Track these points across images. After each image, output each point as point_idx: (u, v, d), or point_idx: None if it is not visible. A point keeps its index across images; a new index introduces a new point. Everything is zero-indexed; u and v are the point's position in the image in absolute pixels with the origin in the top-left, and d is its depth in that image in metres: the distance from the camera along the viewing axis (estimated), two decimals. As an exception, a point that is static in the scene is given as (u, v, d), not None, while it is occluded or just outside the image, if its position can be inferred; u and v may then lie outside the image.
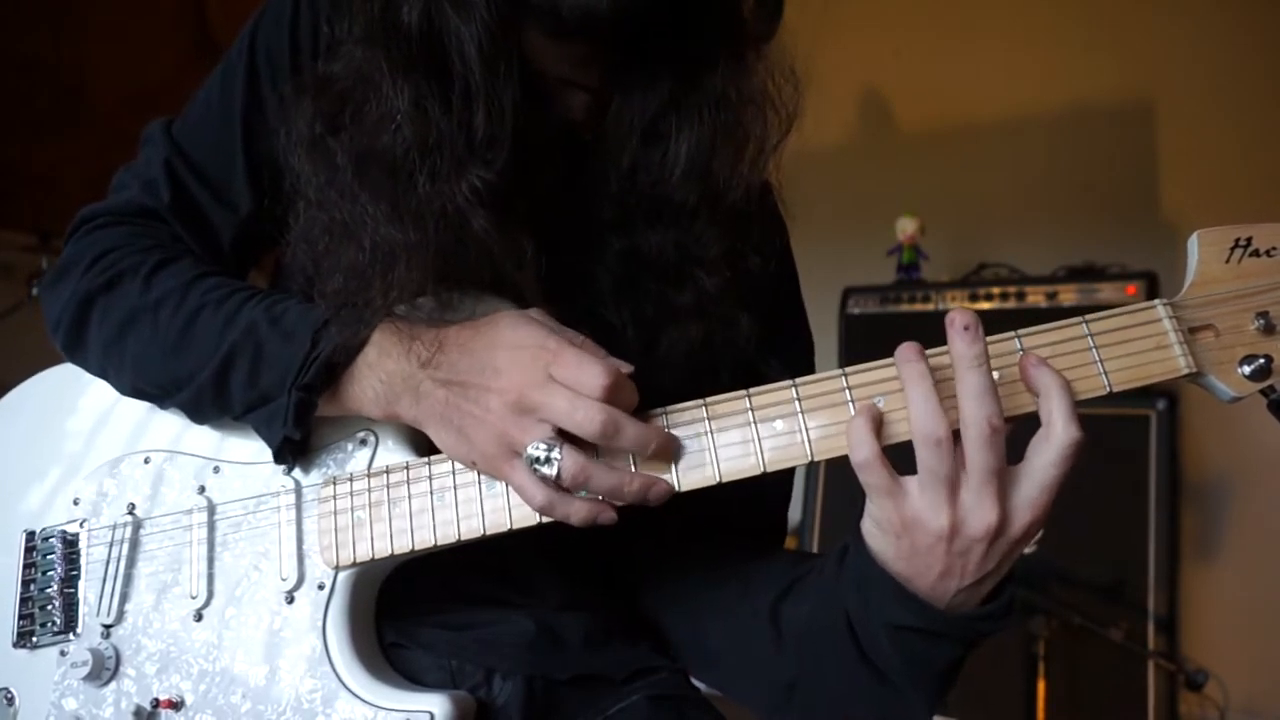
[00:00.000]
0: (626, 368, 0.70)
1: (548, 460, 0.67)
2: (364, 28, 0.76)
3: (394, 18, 0.74)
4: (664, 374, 0.81)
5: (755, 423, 0.69)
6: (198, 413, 0.83)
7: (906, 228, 2.79)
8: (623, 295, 0.85)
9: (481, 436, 0.70)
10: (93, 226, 0.88)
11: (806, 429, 0.68)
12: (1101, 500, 2.26)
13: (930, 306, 2.59)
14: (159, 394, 0.83)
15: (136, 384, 0.84)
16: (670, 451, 0.70)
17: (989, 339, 0.66)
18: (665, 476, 0.70)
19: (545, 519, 0.71)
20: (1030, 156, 2.99)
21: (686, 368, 0.83)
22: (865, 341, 2.62)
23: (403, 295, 0.75)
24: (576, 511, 0.69)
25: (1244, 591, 2.60)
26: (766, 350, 0.88)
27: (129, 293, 0.82)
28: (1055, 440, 0.62)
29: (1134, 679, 2.19)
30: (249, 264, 0.94)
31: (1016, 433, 0.65)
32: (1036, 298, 2.46)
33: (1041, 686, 2.11)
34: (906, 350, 0.66)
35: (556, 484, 0.68)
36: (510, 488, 0.71)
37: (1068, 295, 2.43)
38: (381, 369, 0.74)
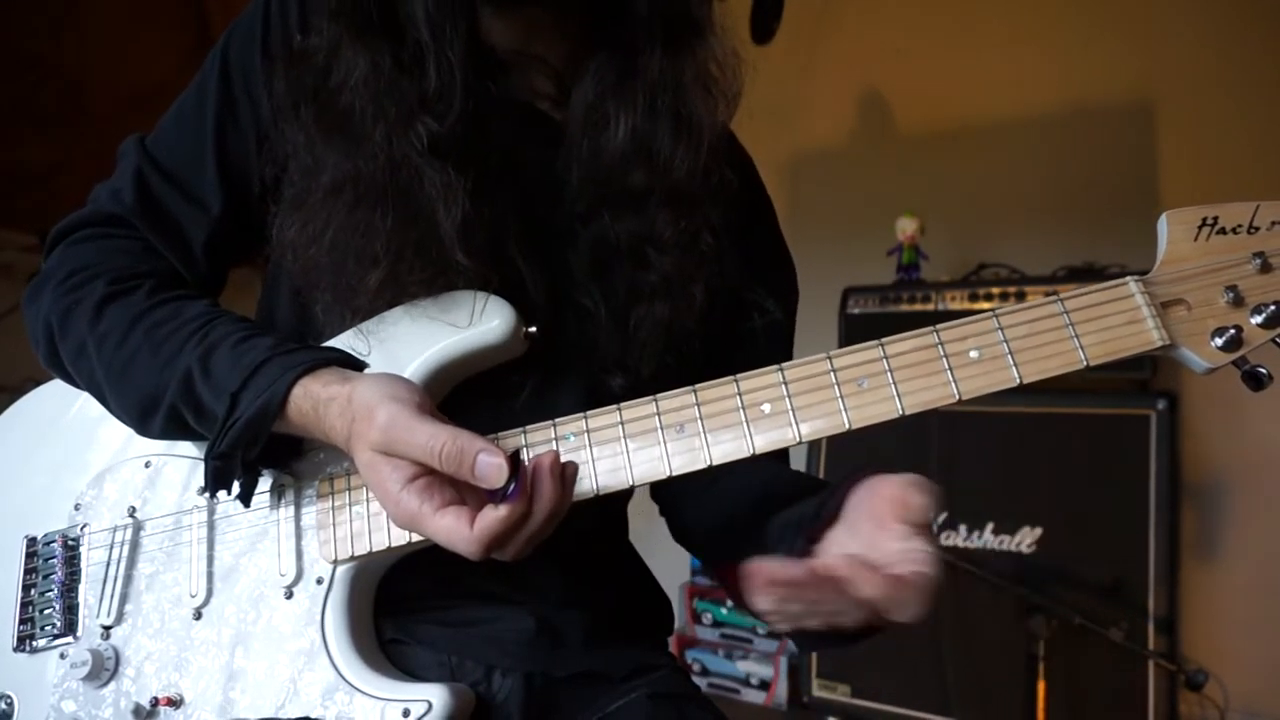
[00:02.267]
0: (485, 466, 0.64)
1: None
2: (333, 3, 0.80)
3: None
4: (637, 350, 0.85)
5: (744, 406, 0.70)
6: (168, 435, 0.83)
7: (906, 228, 2.79)
8: (594, 279, 0.87)
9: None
10: (71, 241, 0.89)
11: (794, 410, 0.69)
12: (1101, 500, 2.26)
13: (930, 306, 2.58)
14: (124, 417, 0.83)
15: (107, 406, 0.84)
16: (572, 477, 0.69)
17: (970, 319, 0.69)
18: (659, 462, 0.70)
19: None
20: (1030, 156, 2.99)
21: (658, 343, 0.86)
22: (865, 341, 2.61)
23: (365, 234, 0.76)
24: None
25: (1244, 591, 2.60)
26: (752, 279, 0.91)
27: (81, 321, 0.82)
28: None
29: (1134, 679, 2.19)
30: (225, 264, 0.93)
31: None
32: (1036, 298, 2.45)
33: (1041, 686, 2.11)
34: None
35: None
36: None
37: (1068, 295, 2.42)
38: (308, 425, 0.73)
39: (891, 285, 2.71)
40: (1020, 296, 2.48)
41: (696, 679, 3.06)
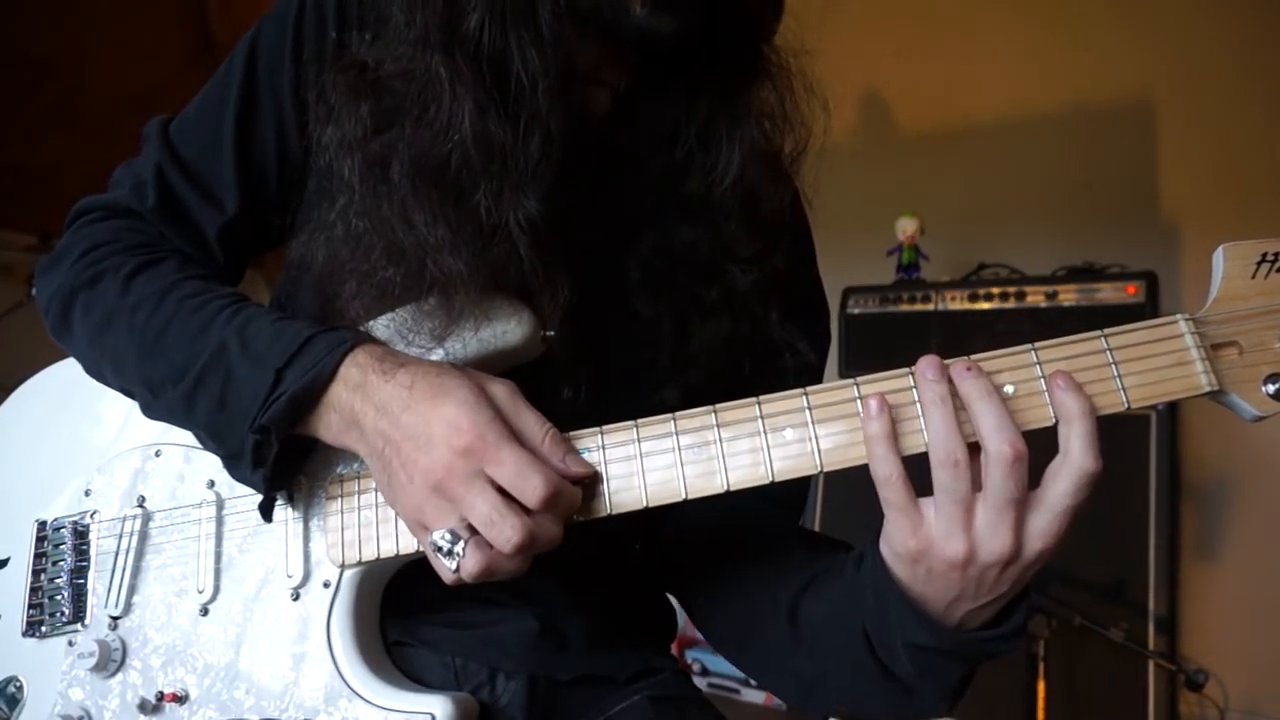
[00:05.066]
0: (578, 467, 0.68)
1: (450, 554, 0.65)
2: (422, 30, 0.75)
3: (459, 26, 0.73)
4: (694, 367, 0.83)
5: (765, 431, 0.68)
6: (173, 421, 0.81)
7: (906, 228, 2.79)
8: (653, 288, 0.85)
9: (401, 502, 0.69)
10: (88, 220, 0.88)
11: (817, 439, 0.67)
12: (1101, 500, 2.21)
13: (930, 306, 2.59)
14: (138, 394, 0.82)
15: (120, 381, 0.83)
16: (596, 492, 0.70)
17: (1006, 350, 0.65)
18: (675, 484, 0.69)
19: None
20: (1030, 156, 2.99)
21: (714, 362, 0.84)
22: (865, 341, 2.62)
23: (430, 298, 0.74)
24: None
25: (1244, 591, 2.60)
26: (788, 318, 0.89)
27: (108, 292, 0.81)
28: (1071, 468, 0.62)
29: (1134, 679, 2.19)
30: (243, 261, 0.93)
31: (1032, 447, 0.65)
32: (1036, 298, 2.46)
33: (1041, 686, 2.11)
34: (928, 369, 0.64)
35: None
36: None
37: (1068, 295, 2.43)
38: (340, 402, 0.71)
39: (891, 285, 2.72)
40: (1020, 296, 2.48)
41: (697, 679, 3.06)
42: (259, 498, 0.77)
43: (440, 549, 0.65)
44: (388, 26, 0.78)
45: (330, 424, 0.72)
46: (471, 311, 0.75)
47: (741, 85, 0.85)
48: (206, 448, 0.80)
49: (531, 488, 0.64)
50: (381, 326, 0.78)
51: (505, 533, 0.64)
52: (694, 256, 0.84)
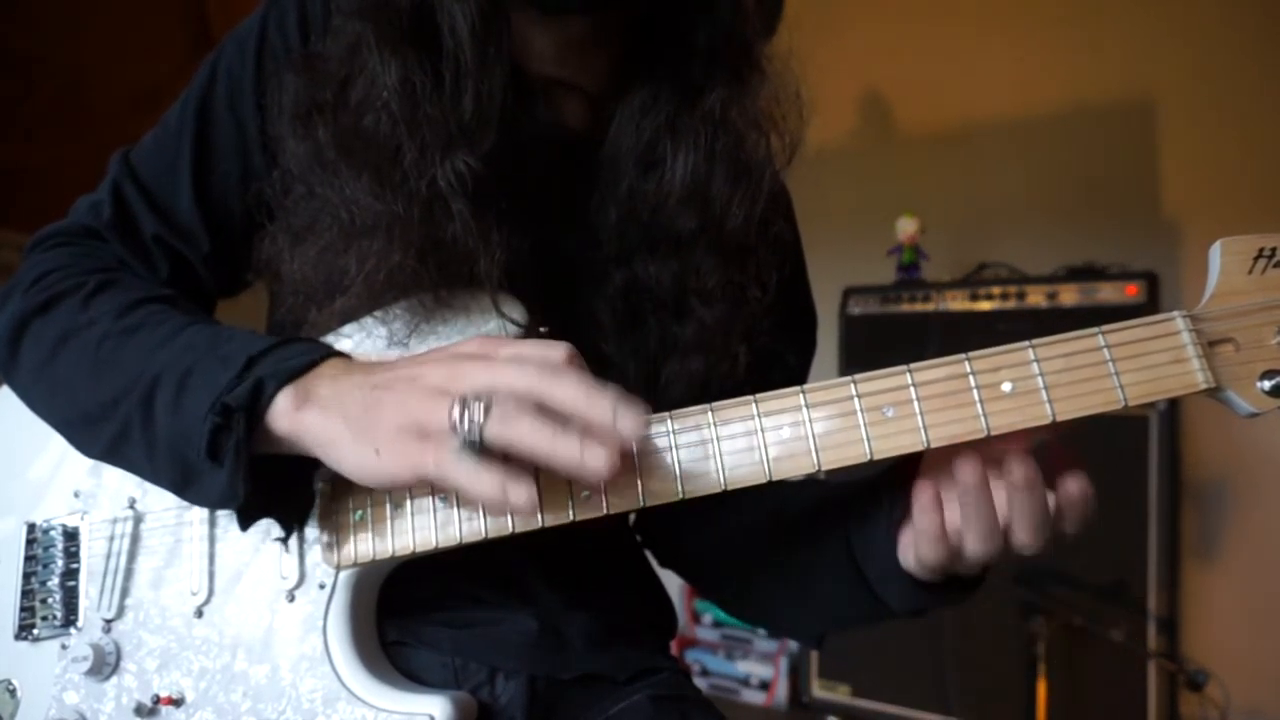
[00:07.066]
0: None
1: (465, 417, 0.56)
2: (356, 2, 0.75)
3: None
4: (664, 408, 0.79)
5: (762, 430, 0.67)
6: (125, 447, 0.71)
7: (906, 228, 2.79)
8: (624, 329, 0.83)
9: (389, 419, 0.59)
10: (45, 248, 0.86)
11: (814, 437, 0.66)
12: (1101, 500, 2.23)
13: (930, 306, 2.58)
14: (85, 425, 0.75)
15: (66, 413, 0.76)
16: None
17: (1004, 348, 0.65)
18: (671, 483, 0.68)
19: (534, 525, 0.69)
20: (1030, 156, 2.99)
21: (689, 402, 0.83)
22: (865, 341, 2.62)
23: (379, 267, 0.71)
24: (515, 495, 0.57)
25: (1244, 592, 2.60)
26: (776, 329, 0.87)
27: (65, 313, 0.77)
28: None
29: (1134, 679, 2.20)
30: (208, 292, 0.89)
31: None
32: (1037, 298, 2.46)
33: (1041, 686, 2.12)
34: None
35: (484, 452, 0.56)
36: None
37: (1068, 295, 2.43)
38: (317, 390, 0.64)
39: (891, 285, 2.71)
40: (1021, 296, 2.48)
41: (696, 679, 3.06)
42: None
43: (455, 424, 0.56)
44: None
45: (282, 406, 0.63)
46: (445, 314, 0.74)
47: (706, 88, 0.81)
48: (163, 481, 0.71)
49: (551, 350, 0.60)
50: (345, 338, 0.76)
51: (518, 371, 0.58)
52: (661, 290, 0.81)
